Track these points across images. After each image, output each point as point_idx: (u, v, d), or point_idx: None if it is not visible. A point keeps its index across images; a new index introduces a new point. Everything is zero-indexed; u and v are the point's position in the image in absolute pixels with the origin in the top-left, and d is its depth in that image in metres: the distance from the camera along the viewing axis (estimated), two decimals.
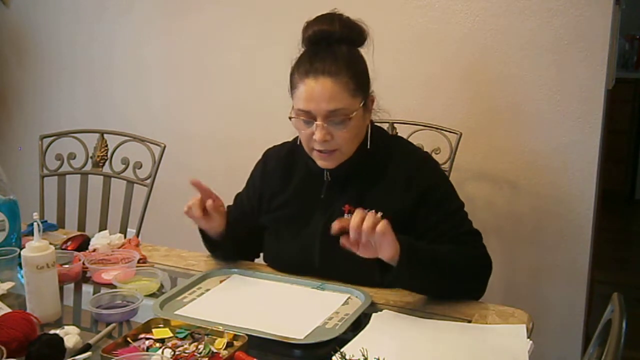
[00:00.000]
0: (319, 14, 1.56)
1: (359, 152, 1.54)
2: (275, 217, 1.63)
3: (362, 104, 1.49)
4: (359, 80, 1.49)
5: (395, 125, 2.23)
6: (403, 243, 1.34)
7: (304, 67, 1.47)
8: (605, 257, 3.26)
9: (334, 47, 1.48)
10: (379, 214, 1.30)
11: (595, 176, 2.27)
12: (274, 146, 1.72)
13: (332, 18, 1.52)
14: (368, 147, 1.54)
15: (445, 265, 1.41)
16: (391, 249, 1.31)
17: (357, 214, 1.28)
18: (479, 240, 1.53)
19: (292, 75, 1.51)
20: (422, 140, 2.18)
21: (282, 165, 1.65)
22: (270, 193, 1.66)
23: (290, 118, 1.51)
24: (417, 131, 2.22)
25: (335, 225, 1.30)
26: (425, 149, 2.14)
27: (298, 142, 1.59)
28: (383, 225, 1.27)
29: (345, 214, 1.52)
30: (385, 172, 1.54)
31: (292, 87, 1.50)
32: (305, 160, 1.59)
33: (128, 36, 3.10)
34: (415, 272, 1.36)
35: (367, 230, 1.26)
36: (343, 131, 1.46)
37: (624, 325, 0.98)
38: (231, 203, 1.76)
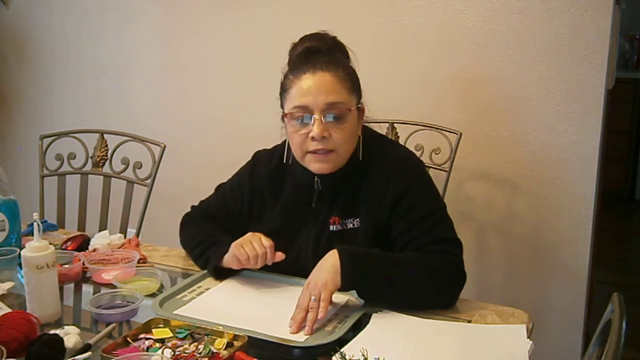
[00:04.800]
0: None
1: (350, 162, 1.52)
2: (266, 229, 1.60)
3: (357, 106, 1.49)
4: (354, 81, 1.49)
5: (395, 125, 2.23)
6: (344, 257, 1.35)
7: (300, 67, 1.47)
8: (605, 257, 3.26)
9: (332, 52, 1.50)
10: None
11: (595, 176, 2.27)
12: (264, 150, 1.69)
13: (322, 36, 1.53)
14: (360, 158, 1.52)
15: (396, 275, 1.37)
16: (336, 282, 1.34)
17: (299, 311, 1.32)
18: (452, 249, 1.44)
19: (284, 79, 1.50)
20: (422, 140, 2.18)
21: (273, 174, 1.62)
22: (260, 205, 1.64)
23: (284, 116, 1.49)
24: (417, 131, 2.22)
25: (294, 328, 1.31)
26: (425, 149, 2.15)
27: (286, 155, 1.57)
28: (324, 294, 1.32)
29: (331, 226, 1.53)
30: (367, 181, 1.52)
31: (285, 89, 1.49)
32: (293, 170, 1.58)
33: (128, 36, 3.10)
34: (362, 284, 1.37)
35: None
36: (340, 128, 1.44)
37: (624, 325, 0.98)
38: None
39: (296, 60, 1.51)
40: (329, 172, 1.49)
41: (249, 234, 1.50)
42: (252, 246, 1.46)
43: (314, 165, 1.48)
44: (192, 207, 1.76)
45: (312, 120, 1.43)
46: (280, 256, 1.48)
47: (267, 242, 1.47)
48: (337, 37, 1.56)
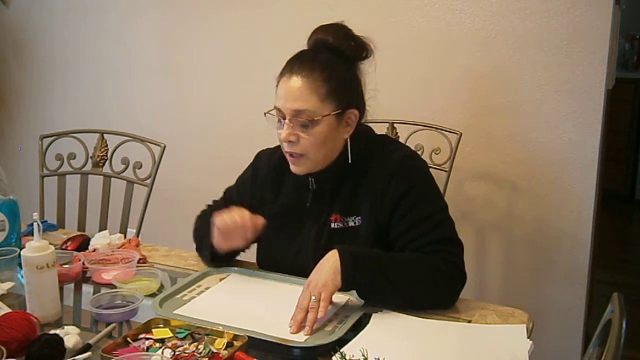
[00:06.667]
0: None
1: (339, 164, 1.51)
2: (267, 227, 1.60)
3: (334, 113, 1.45)
4: (333, 87, 1.44)
5: (395, 125, 2.23)
6: (344, 257, 1.36)
7: (285, 68, 1.48)
8: (605, 257, 3.26)
9: (319, 52, 1.48)
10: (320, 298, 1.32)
11: (595, 176, 2.27)
12: (267, 149, 1.70)
13: (328, 28, 1.52)
14: (350, 161, 1.51)
15: (396, 275, 1.37)
16: (336, 282, 1.34)
17: (300, 312, 1.32)
18: (452, 249, 1.44)
19: (278, 76, 1.51)
20: (422, 140, 2.18)
21: (273, 173, 1.63)
22: (261, 202, 1.64)
23: (265, 114, 1.51)
24: (417, 131, 2.22)
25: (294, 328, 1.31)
26: (425, 149, 2.15)
27: None
28: (324, 295, 1.32)
29: (332, 224, 1.53)
30: (369, 180, 1.51)
31: (276, 87, 1.51)
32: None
33: (129, 36, 3.10)
34: (363, 284, 1.37)
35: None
36: (307, 134, 1.44)
37: (624, 325, 0.98)
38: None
39: (289, 58, 1.51)
40: (303, 173, 1.52)
41: (234, 208, 1.52)
42: (233, 215, 1.48)
43: (290, 166, 1.52)
44: (208, 205, 1.77)
45: (282, 123, 1.46)
46: (260, 220, 1.50)
47: (248, 213, 1.49)
48: (353, 30, 1.52)
